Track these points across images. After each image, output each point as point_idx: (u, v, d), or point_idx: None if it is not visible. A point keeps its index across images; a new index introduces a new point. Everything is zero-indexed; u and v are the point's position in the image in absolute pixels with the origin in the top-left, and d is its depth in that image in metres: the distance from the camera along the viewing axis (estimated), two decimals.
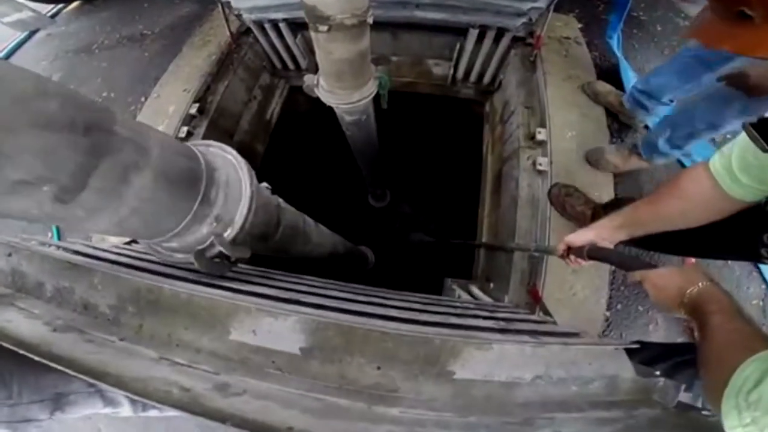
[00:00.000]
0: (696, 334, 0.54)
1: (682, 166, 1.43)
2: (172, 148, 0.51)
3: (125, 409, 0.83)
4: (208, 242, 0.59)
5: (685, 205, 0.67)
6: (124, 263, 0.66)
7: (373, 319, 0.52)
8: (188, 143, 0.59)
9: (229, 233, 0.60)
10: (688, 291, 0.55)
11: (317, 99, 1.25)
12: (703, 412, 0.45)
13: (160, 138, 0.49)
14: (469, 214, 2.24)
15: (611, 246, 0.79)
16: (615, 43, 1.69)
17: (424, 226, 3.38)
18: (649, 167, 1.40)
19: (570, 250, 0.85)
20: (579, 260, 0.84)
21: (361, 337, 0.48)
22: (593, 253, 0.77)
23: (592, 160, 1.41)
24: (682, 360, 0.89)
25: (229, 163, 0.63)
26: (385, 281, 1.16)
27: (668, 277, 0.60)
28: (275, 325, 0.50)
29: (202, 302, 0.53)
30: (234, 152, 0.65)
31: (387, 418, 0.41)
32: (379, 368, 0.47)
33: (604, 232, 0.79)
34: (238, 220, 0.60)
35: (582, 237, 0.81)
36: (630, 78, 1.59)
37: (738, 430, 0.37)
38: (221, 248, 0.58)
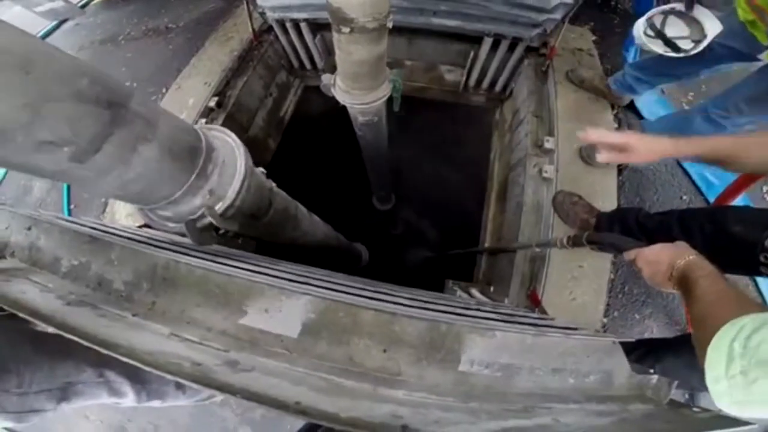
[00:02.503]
0: (685, 303, 0.55)
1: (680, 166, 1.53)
2: (178, 126, 0.58)
3: (129, 400, 0.83)
4: (199, 213, 0.65)
5: None
6: (142, 241, 0.67)
7: (382, 303, 0.53)
8: (194, 126, 0.66)
9: (220, 206, 0.66)
10: (677, 262, 0.57)
11: (330, 99, 1.29)
12: (694, 409, 0.46)
13: (169, 117, 0.56)
14: (472, 220, 2.26)
15: (686, 154, 0.70)
16: (631, 56, 1.72)
17: (426, 232, 3.40)
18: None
19: (570, 238, 0.87)
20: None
21: (370, 319, 0.50)
22: (591, 238, 0.80)
23: (586, 156, 1.45)
24: (647, 350, 0.96)
25: (228, 146, 0.71)
26: (383, 280, 1.18)
27: (659, 252, 0.63)
28: (287, 304, 0.51)
29: (217, 280, 0.54)
30: (234, 136, 0.72)
31: (391, 399, 0.43)
32: (385, 351, 0.49)
33: (689, 145, 0.69)
34: (230, 195, 0.67)
35: (653, 146, 0.69)
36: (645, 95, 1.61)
37: (722, 382, 0.34)
38: (211, 219, 0.65)
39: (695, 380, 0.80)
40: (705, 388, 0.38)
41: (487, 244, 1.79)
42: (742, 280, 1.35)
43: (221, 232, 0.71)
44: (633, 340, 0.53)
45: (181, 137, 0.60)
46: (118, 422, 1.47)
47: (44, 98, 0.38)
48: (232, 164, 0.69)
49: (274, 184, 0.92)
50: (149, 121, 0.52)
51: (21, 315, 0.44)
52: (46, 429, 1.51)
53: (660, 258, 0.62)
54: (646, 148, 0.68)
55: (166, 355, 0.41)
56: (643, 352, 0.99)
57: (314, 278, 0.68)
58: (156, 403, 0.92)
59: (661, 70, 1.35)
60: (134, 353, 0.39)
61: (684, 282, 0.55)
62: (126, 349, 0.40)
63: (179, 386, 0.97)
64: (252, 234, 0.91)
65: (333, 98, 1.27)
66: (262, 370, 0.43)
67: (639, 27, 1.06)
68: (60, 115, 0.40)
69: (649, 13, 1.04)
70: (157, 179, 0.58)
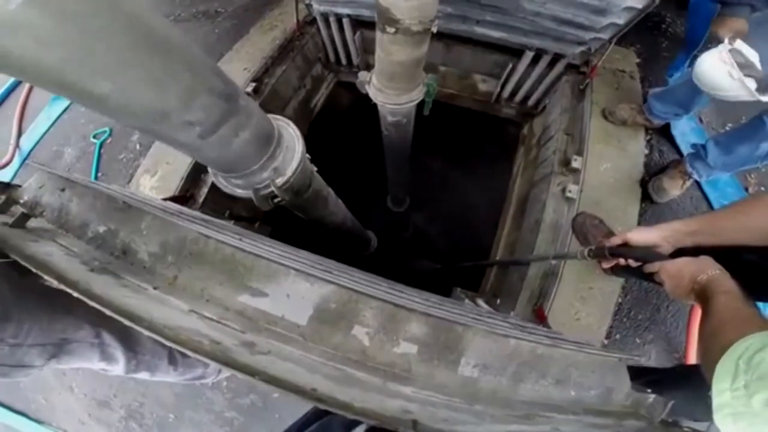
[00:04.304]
0: (701, 315, 0.57)
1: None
2: (263, 117, 0.77)
3: (118, 368, 0.83)
4: (264, 184, 0.86)
5: None
6: (175, 213, 0.66)
7: (399, 299, 0.54)
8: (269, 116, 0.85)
9: (280, 180, 0.86)
10: (699, 277, 0.59)
11: (358, 96, 1.31)
12: (684, 429, 0.48)
13: (258, 110, 0.74)
14: (485, 232, 2.23)
15: (671, 250, 0.76)
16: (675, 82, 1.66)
17: (434, 239, 3.39)
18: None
19: (591, 250, 0.87)
20: (605, 264, 0.85)
21: (387, 314, 0.50)
22: (615, 250, 0.80)
23: (652, 190, 1.44)
24: (652, 379, 0.97)
25: (291, 135, 0.93)
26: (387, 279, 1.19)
27: (682, 266, 0.64)
28: (310, 291, 0.52)
29: (244, 260, 0.54)
30: (295, 127, 0.93)
31: (400, 395, 0.44)
32: (398, 348, 0.49)
33: (670, 235, 0.76)
34: (289, 173, 0.88)
35: (645, 236, 0.78)
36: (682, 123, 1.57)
37: (726, 394, 0.38)
38: (273, 189, 0.86)
39: (698, 412, 0.78)
40: (711, 419, 0.39)
41: (498, 257, 1.78)
42: None
43: (277, 200, 0.92)
44: (640, 359, 0.54)
45: (265, 127, 0.77)
46: (103, 396, 1.44)
47: (195, 90, 0.52)
48: (293, 149, 0.90)
49: (315, 169, 1.12)
50: (249, 112, 0.67)
51: (47, 278, 0.44)
52: (27, 399, 1.50)
53: (683, 272, 0.63)
54: (642, 239, 0.75)
55: (187, 331, 0.41)
56: (646, 381, 0.98)
57: (335, 269, 0.70)
58: (144, 375, 0.91)
59: (685, 96, 1.32)
60: (156, 327, 0.39)
61: (703, 295, 0.57)
62: (148, 322, 0.40)
63: (171, 361, 0.96)
64: (293, 205, 1.10)
65: (362, 95, 1.30)
66: (277, 355, 0.43)
67: (719, 68, 0.90)
68: (201, 103, 0.53)
69: (720, 52, 0.95)
70: (244, 156, 0.75)
